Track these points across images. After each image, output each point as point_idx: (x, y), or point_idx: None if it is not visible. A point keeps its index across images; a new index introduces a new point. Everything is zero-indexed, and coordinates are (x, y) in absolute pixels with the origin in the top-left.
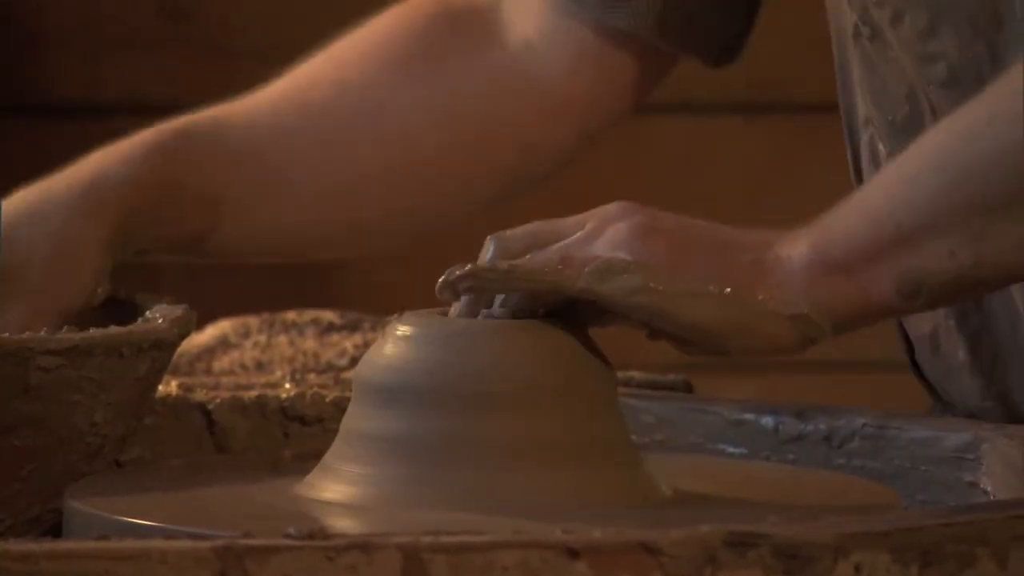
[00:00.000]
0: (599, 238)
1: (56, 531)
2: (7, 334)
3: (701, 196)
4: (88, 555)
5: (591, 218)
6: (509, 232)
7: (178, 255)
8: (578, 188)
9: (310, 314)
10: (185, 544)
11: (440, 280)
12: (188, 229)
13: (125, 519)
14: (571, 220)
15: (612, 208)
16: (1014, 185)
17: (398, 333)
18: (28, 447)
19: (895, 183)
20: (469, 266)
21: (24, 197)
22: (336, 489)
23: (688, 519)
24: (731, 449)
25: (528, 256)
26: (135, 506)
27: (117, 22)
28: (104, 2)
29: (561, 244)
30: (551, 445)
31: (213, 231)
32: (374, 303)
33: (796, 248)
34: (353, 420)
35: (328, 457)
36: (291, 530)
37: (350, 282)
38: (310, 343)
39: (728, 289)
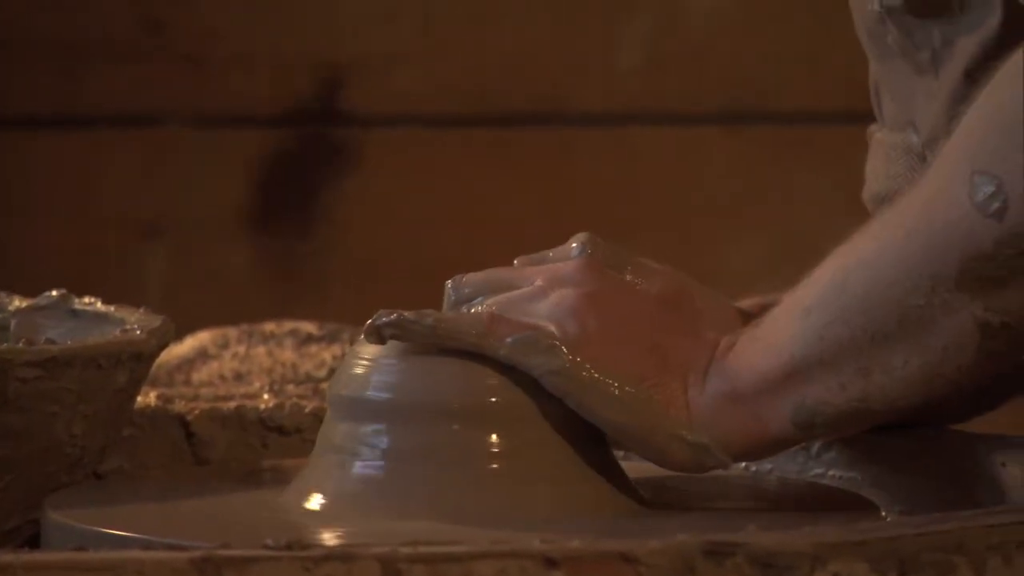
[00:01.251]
0: (543, 299)
1: (35, 542)
2: None
3: (685, 206)
4: (66, 566)
5: (544, 273)
6: (466, 277)
7: None
8: (563, 197)
9: (289, 325)
10: (163, 555)
11: (367, 323)
12: None
13: (104, 530)
14: (528, 270)
15: (569, 268)
16: (899, 321)
17: (371, 347)
18: (7, 458)
19: (793, 313)
20: (395, 315)
21: None
22: (315, 500)
23: (666, 528)
24: None
25: (463, 309)
26: (114, 517)
27: (94, 33)
28: (81, 13)
29: (498, 299)
30: (528, 455)
31: None
32: (355, 313)
33: (714, 375)
34: (329, 432)
35: (306, 468)
36: (269, 541)
37: (329, 293)
38: (289, 354)
39: (641, 396)
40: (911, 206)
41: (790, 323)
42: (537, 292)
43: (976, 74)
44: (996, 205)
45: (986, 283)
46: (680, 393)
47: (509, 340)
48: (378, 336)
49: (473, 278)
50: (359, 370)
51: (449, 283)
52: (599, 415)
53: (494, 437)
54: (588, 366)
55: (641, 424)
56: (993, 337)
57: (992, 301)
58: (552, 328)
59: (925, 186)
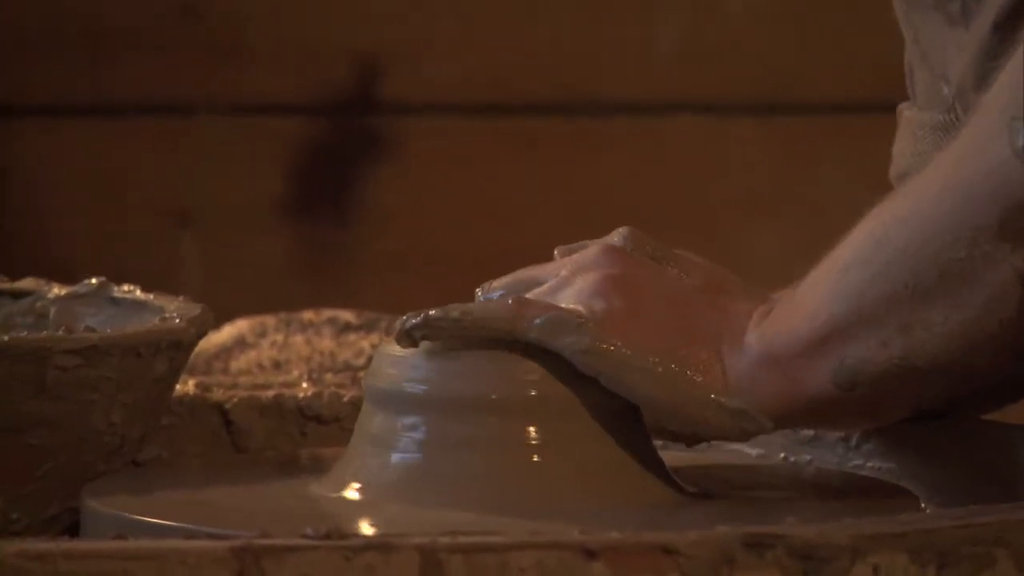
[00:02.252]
0: (568, 287)
1: (73, 531)
2: (25, 334)
3: (716, 195)
4: (106, 555)
5: (568, 264)
6: (495, 281)
7: None
8: (597, 187)
9: (327, 313)
10: (203, 544)
11: (396, 329)
12: None
13: (143, 519)
14: (551, 265)
15: (590, 255)
16: (940, 275)
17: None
18: (45, 446)
19: (833, 272)
20: (422, 315)
21: None
22: (353, 490)
23: (706, 520)
24: (748, 450)
25: (484, 300)
26: (153, 506)
27: (127, 21)
28: (113, 2)
29: (550, 272)
30: (568, 446)
31: None
32: (390, 303)
33: (748, 341)
34: (366, 423)
35: (344, 458)
36: (309, 530)
37: (365, 282)
38: (327, 343)
39: (674, 366)
40: (949, 160)
41: (828, 283)
42: (562, 282)
43: (1005, 27)
44: None
45: None
46: (715, 362)
47: (537, 321)
48: (409, 339)
49: (501, 281)
50: (395, 361)
51: (478, 290)
52: (633, 390)
53: (532, 429)
54: (617, 342)
55: (676, 395)
56: None
57: None
58: (580, 309)
59: (962, 140)
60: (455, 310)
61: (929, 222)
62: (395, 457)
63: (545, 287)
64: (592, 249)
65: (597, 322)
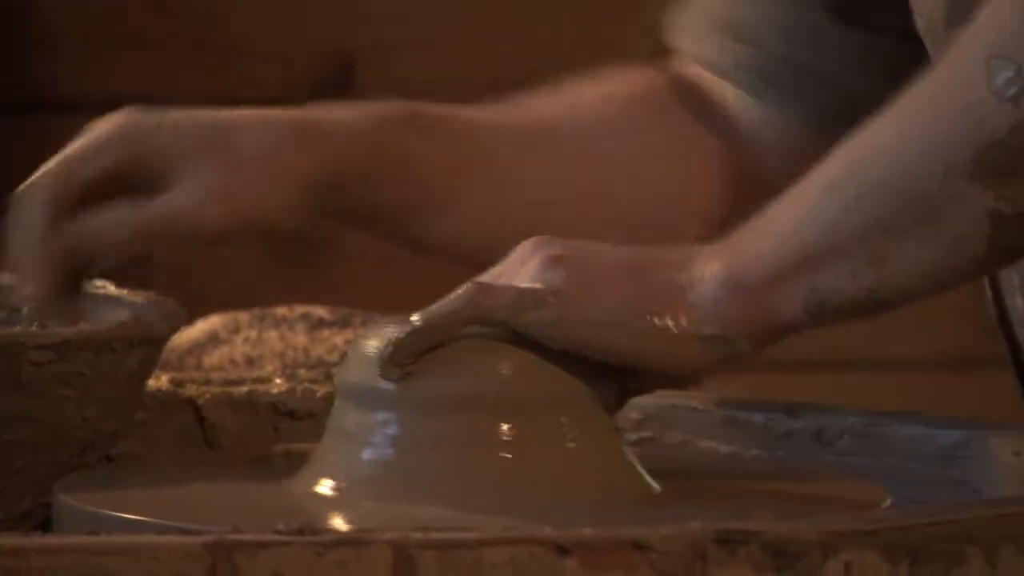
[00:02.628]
0: (515, 277)
1: (46, 526)
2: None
3: None
4: (78, 550)
5: (503, 265)
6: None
7: (362, 228)
8: None
9: (300, 309)
10: (175, 539)
11: (380, 367)
12: (392, 201)
13: (115, 514)
14: (492, 271)
15: (525, 245)
16: (912, 210)
17: (378, 333)
18: (19, 442)
19: (803, 200)
20: (389, 344)
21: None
22: (326, 485)
23: (678, 516)
24: (721, 447)
25: (446, 298)
26: (125, 501)
27: (106, 19)
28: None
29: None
30: (540, 442)
31: (416, 212)
32: (364, 299)
33: (708, 269)
34: (339, 419)
35: (317, 453)
36: (281, 526)
37: (340, 277)
38: (300, 338)
39: (646, 316)
40: (924, 95)
41: (799, 210)
42: (506, 272)
43: None
44: (1013, 90)
45: (1000, 172)
46: (679, 298)
47: (502, 303)
48: (396, 370)
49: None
50: (367, 357)
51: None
52: (607, 348)
53: (505, 426)
54: (581, 307)
55: (651, 340)
56: (1004, 228)
57: (1005, 191)
58: (536, 286)
59: (938, 74)
60: (416, 320)
61: (903, 157)
62: (368, 453)
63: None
64: (521, 246)
65: (556, 293)
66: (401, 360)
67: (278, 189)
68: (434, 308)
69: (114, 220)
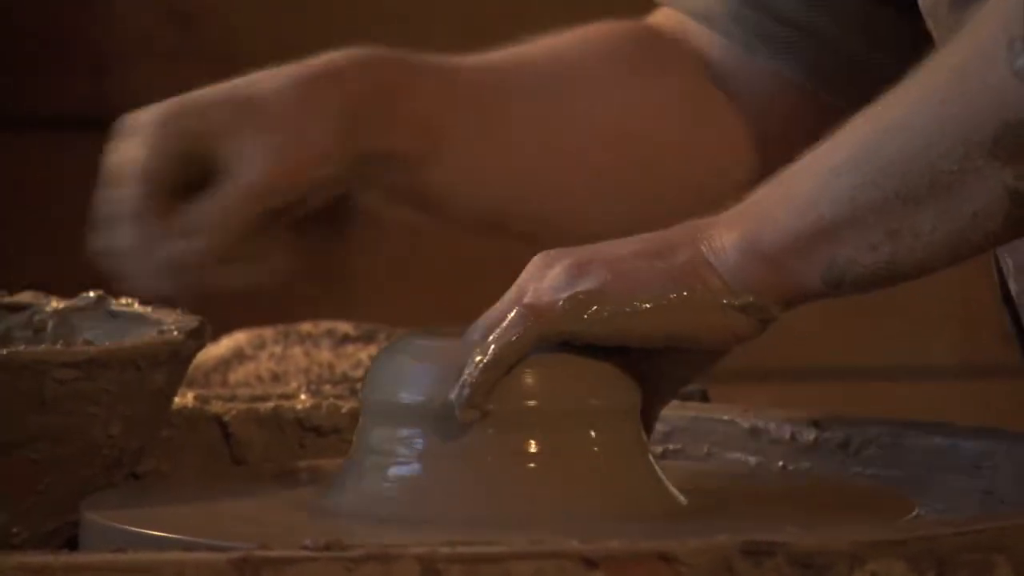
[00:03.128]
0: (544, 292)
1: (73, 544)
2: (23, 348)
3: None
4: (105, 567)
5: (518, 283)
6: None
7: (398, 199)
8: None
9: (325, 325)
10: (202, 556)
11: (458, 412)
12: (402, 147)
13: (142, 531)
14: (511, 293)
15: (536, 262)
16: (931, 186)
17: (402, 349)
18: (45, 460)
19: (820, 172)
20: (464, 387)
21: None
22: (352, 500)
23: (705, 528)
24: (747, 458)
25: (495, 330)
26: (152, 518)
27: (122, 32)
28: (110, 12)
29: (513, 299)
30: (567, 456)
31: (428, 160)
32: (388, 314)
33: (728, 238)
34: (364, 434)
35: (343, 469)
36: (308, 541)
37: (365, 292)
38: (325, 354)
39: (683, 292)
40: (944, 71)
41: (817, 182)
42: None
43: None
44: None
45: (1019, 151)
46: (707, 272)
47: (559, 311)
48: (477, 409)
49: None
50: (391, 373)
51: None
52: (664, 330)
53: (531, 440)
54: (621, 299)
55: (701, 314)
56: (1022, 204)
57: (1022, 170)
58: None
59: (959, 52)
60: (480, 356)
61: (923, 133)
62: (394, 468)
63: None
64: (531, 264)
65: (597, 292)
66: (477, 401)
67: (316, 135)
68: (493, 341)
69: (208, 213)
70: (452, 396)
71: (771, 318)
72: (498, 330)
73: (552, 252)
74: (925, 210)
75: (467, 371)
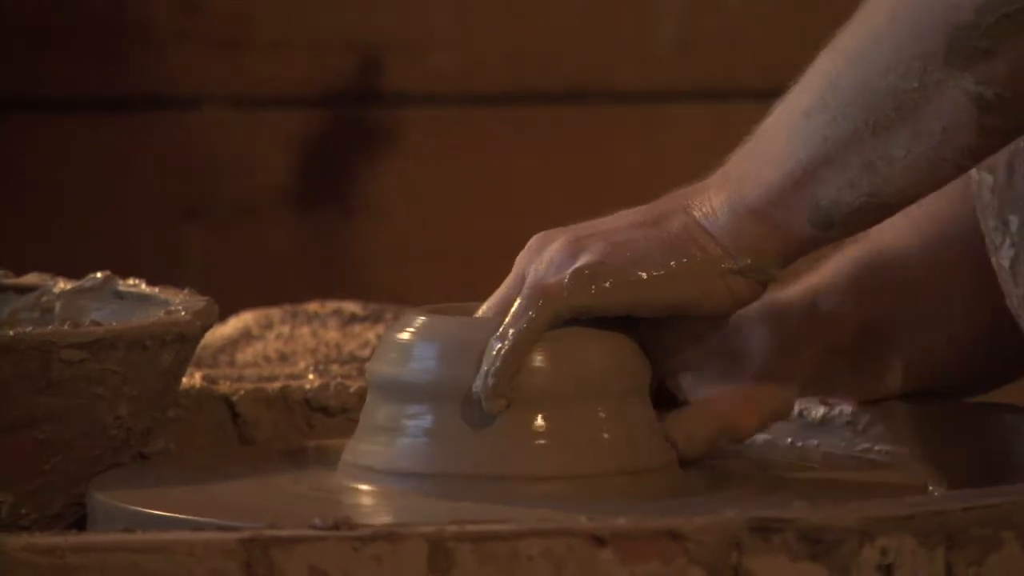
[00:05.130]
0: (547, 271)
1: (81, 524)
2: (31, 329)
3: None
4: (114, 547)
5: (518, 266)
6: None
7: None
8: (600, 175)
9: (332, 305)
10: (211, 535)
11: (485, 403)
12: (874, 367)
13: (150, 511)
14: (512, 278)
15: (532, 242)
16: (892, 109)
17: (408, 326)
18: (52, 441)
19: (793, 118)
20: (487, 377)
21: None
22: (360, 479)
23: (713, 505)
24: (756, 435)
25: (507, 315)
26: (160, 498)
27: (131, 16)
28: None
29: (515, 280)
30: (575, 433)
31: (889, 368)
32: (395, 294)
33: (716, 201)
34: (371, 412)
35: (351, 446)
36: (316, 521)
37: (372, 272)
38: (333, 334)
39: (682, 259)
40: None
41: (792, 129)
42: (532, 272)
43: None
44: None
45: (974, 54)
46: (703, 237)
47: (567, 286)
48: (503, 400)
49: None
50: (397, 350)
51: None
52: (671, 298)
53: (539, 416)
54: (624, 270)
55: (695, 283)
56: (989, 110)
57: (982, 73)
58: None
59: None
60: (496, 345)
61: (879, 58)
62: (401, 445)
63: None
64: (527, 250)
65: (603, 264)
66: (503, 389)
67: (786, 387)
68: (507, 328)
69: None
70: (476, 387)
71: (770, 279)
72: (510, 316)
73: (548, 232)
74: (896, 135)
75: (487, 361)
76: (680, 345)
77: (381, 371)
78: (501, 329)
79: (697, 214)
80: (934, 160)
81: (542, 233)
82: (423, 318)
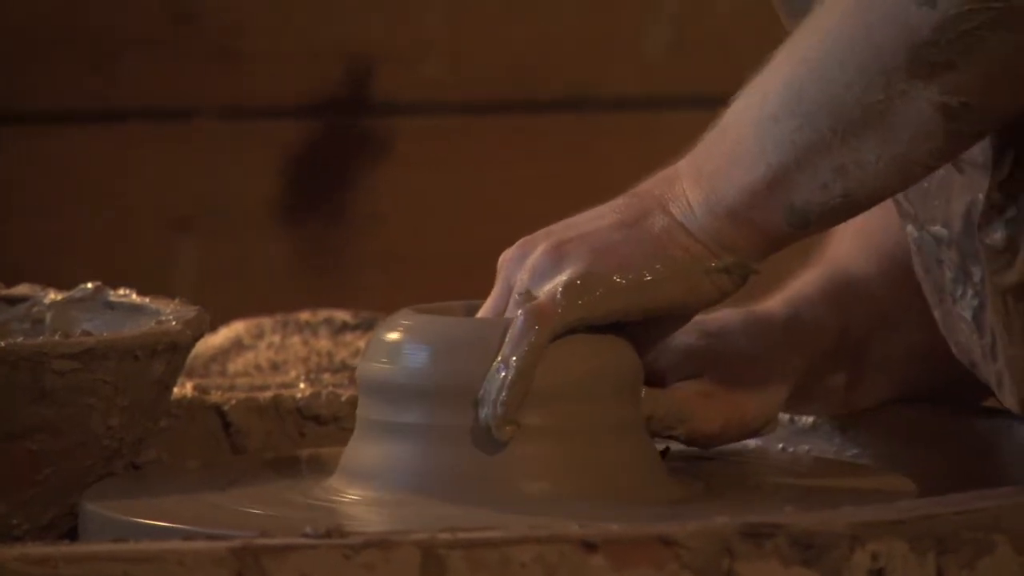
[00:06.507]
0: (534, 281)
1: (73, 535)
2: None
3: None
4: (106, 557)
5: (503, 273)
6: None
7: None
8: (594, 182)
9: (324, 314)
10: (202, 545)
11: (495, 432)
12: (851, 376)
13: (142, 521)
14: (499, 287)
15: (514, 250)
16: (859, 117)
17: (396, 331)
18: (44, 451)
19: (761, 120)
20: (496, 406)
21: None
22: (352, 487)
23: (704, 511)
24: (746, 441)
25: (505, 340)
26: (152, 508)
27: (124, 27)
28: (110, 8)
29: (502, 290)
30: (568, 440)
31: (861, 381)
32: (387, 302)
33: (693, 198)
34: (363, 419)
35: (343, 455)
36: (308, 529)
37: (361, 282)
38: (324, 343)
39: (666, 262)
40: (845, 8)
41: (759, 131)
42: (518, 282)
43: None
44: None
45: (936, 68)
46: (682, 235)
47: (559, 302)
48: (511, 426)
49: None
50: (387, 355)
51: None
52: (660, 301)
53: (531, 422)
54: (609, 277)
55: (681, 284)
56: (956, 118)
57: (947, 84)
58: (563, 278)
59: None
60: (503, 370)
61: (841, 74)
62: (393, 453)
63: (515, 294)
64: (506, 259)
65: (586, 275)
66: (513, 417)
67: (769, 398)
68: (509, 352)
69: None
70: (483, 416)
71: (752, 272)
72: (509, 342)
73: (527, 238)
74: (865, 142)
75: (493, 391)
76: (658, 333)
77: (370, 376)
78: (501, 356)
79: (675, 211)
80: (904, 163)
81: (523, 239)
82: (411, 319)
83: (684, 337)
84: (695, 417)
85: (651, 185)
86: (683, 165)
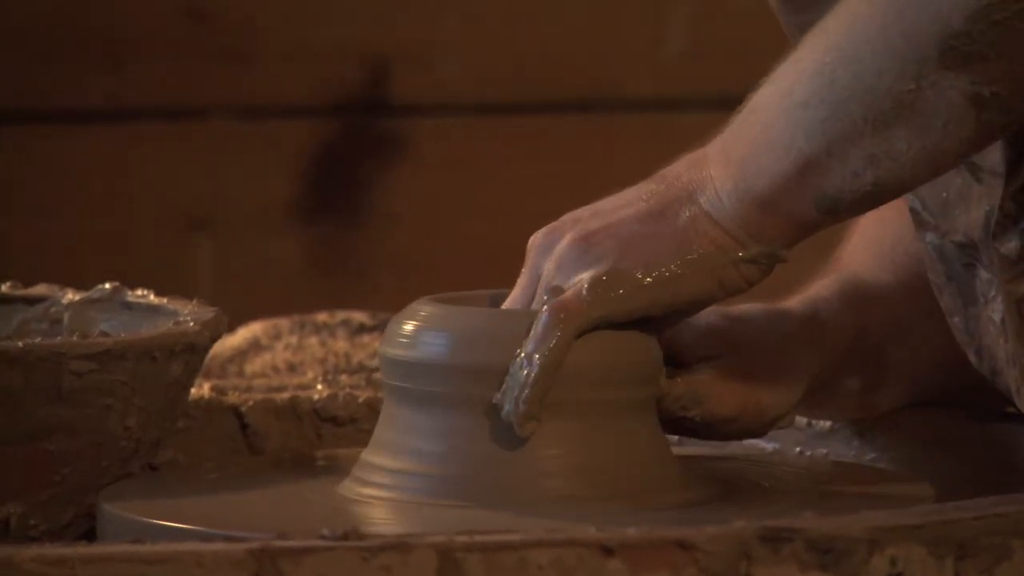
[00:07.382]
0: (557, 272)
1: (90, 536)
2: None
3: None
4: (123, 559)
5: (530, 261)
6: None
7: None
8: (608, 183)
9: (341, 315)
10: (220, 546)
11: (516, 429)
12: (857, 382)
13: (159, 522)
14: (525, 277)
15: (539, 238)
16: (891, 107)
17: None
18: (61, 452)
19: (790, 108)
20: (518, 403)
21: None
22: (370, 488)
23: (722, 515)
24: (764, 443)
25: (530, 336)
26: (169, 509)
27: (139, 27)
28: (124, 6)
29: (528, 280)
30: (587, 444)
31: (882, 384)
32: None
33: (722, 187)
34: (385, 421)
35: (362, 456)
36: (326, 531)
37: (377, 283)
38: (341, 344)
39: (696, 254)
40: None
41: (790, 119)
42: (543, 272)
43: None
44: None
45: (968, 59)
46: (711, 227)
47: (586, 299)
48: (533, 422)
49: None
50: (409, 357)
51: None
52: (685, 296)
53: (551, 427)
54: (636, 270)
55: (710, 277)
56: (987, 107)
57: (978, 74)
58: (590, 273)
59: None
60: (524, 367)
61: (873, 63)
62: (412, 456)
63: (541, 285)
64: (534, 246)
65: (612, 270)
66: (535, 413)
67: (787, 392)
68: (532, 349)
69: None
70: (505, 412)
71: (780, 260)
72: (533, 338)
73: (555, 224)
74: (896, 131)
75: (516, 387)
76: (687, 314)
77: (393, 379)
78: (525, 352)
79: (702, 200)
80: (935, 153)
81: (548, 227)
82: (430, 307)
83: (706, 316)
84: (711, 399)
85: (679, 169)
86: (711, 150)
